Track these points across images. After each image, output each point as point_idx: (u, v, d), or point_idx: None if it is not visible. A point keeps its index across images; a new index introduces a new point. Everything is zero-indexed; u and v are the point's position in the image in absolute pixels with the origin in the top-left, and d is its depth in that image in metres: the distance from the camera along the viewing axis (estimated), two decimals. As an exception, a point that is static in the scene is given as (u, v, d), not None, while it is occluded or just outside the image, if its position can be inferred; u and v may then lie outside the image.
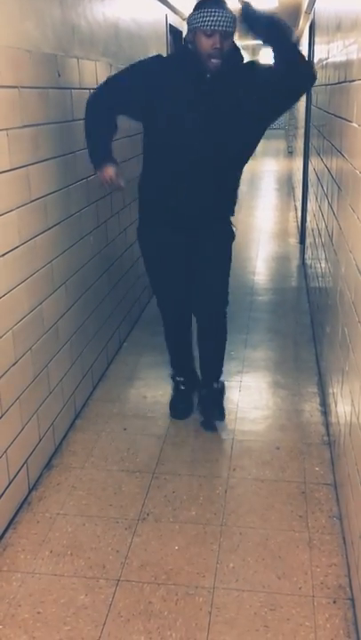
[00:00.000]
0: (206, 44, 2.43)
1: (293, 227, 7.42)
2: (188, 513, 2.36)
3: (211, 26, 2.40)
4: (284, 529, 2.26)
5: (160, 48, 4.89)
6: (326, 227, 3.30)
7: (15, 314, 2.29)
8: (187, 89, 2.51)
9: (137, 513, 2.36)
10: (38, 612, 1.93)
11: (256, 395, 3.29)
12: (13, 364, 2.28)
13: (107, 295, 3.50)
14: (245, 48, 15.03)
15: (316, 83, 4.54)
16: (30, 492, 2.48)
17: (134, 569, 2.10)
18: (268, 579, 2.04)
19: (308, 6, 5.37)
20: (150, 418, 3.07)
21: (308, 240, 5.08)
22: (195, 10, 2.47)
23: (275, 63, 2.54)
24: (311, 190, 5.01)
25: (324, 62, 3.69)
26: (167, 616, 1.91)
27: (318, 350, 3.57)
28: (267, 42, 2.52)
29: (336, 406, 2.54)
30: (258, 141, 2.72)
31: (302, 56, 2.62)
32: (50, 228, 2.60)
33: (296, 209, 7.94)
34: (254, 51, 16.07)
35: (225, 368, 3.49)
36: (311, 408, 3.12)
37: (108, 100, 2.65)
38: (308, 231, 5.13)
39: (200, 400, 3.06)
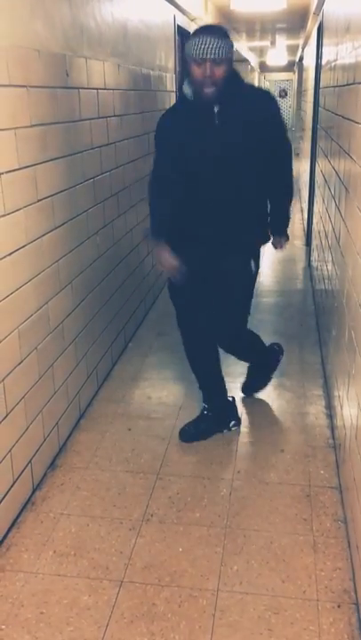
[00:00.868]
0: (198, 72, 2.40)
1: (300, 229, 7.41)
2: (193, 515, 2.35)
3: (200, 54, 2.36)
4: (288, 532, 2.25)
5: (168, 49, 4.89)
6: (333, 229, 3.29)
7: (21, 313, 2.29)
8: (198, 128, 2.51)
9: (141, 514, 2.36)
10: (41, 613, 1.93)
11: (261, 397, 3.28)
12: (19, 364, 2.28)
13: (112, 295, 3.49)
14: (253, 49, 15.03)
15: (324, 84, 4.54)
16: (34, 491, 2.47)
17: (138, 570, 2.09)
18: (273, 582, 2.03)
19: (316, 7, 5.36)
20: (155, 419, 3.06)
21: (315, 242, 5.06)
22: (188, 40, 2.46)
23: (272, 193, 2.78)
24: (318, 192, 5.00)
25: (333, 64, 3.67)
26: (171, 618, 1.90)
27: (324, 353, 3.56)
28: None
29: (342, 409, 2.53)
30: (279, 144, 2.69)
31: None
32: (56, 228, 2.59)
33: (302, 211, 7.93)
34: (262, 52, 16.08)
35: (230, 369, 3.49)
36: (316, 411, 3.11)
37: (163, 177, 2.64)
38: (315, 233, 5.11)
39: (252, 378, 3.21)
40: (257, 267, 2.82)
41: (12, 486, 2.26)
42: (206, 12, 6.88)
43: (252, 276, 2.81)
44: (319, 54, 5.41)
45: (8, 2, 2.12)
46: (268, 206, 2.81)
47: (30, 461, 2.42)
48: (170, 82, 5.03)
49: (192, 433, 2.88)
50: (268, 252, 6.40)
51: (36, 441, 2.47)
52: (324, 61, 4.77)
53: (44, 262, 2.47)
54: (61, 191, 2.64)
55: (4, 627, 1.88)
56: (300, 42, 11.33)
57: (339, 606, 1.93)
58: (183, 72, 5.30)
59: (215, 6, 7.35)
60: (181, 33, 5.55)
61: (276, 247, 2.96)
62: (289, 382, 3.42)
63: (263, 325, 4.29)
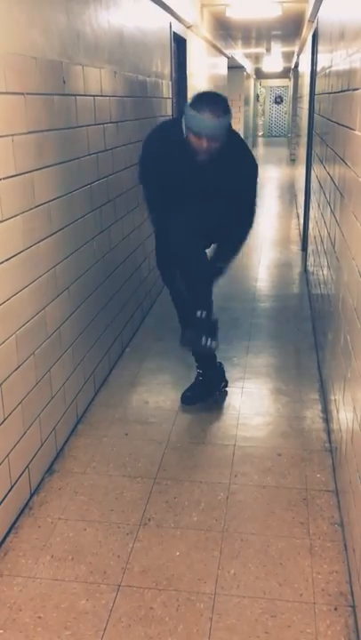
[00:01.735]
0: (195, 142, 2.66)
1: (296, 234, 7.44)
2: (190, 519, 2.36)
3: (199, 131, 2.61)
4: (285, 535, 2.26)
5: (164, 56, 4.92)
6: (329, 234, 3.31)
7: (19, 318, 2.30)
8: (181, 167, 2.77)
9: (138, 518, 2.36)
10: (39, 617, 1.93)
11: (258, 401, 3.29)
12: (16, 369, 2.29)
13: (109, 300, 3.51)
14: (248, 56, 15.12)
15: (319, 91, 4.57)
16: (32, 496, 2.48)
17: (135, 574, 2.10)
18: (269, 585, 2.04)
19: (311, 15, 5.41)
20: (152, 423, 3.07)
21: (311, 247, 5.09)
22: (191, 106, 2.64)
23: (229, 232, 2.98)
24: (314, 198, 5.03)
25: (328, 70, 3.71)
26: (168, 622, 1.91)
27: (320, 357, 3.58)
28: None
29: (338, 413, 2.55)
30: (246, 205, 2.98)
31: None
32: (54, 234, 2.61)
33: (298, 216, 7.96)
34: (257, 58, 16.17)
35: (227, 374, 3.50)
36: (313, 415, 3.12)
37: (153, 190, 2.99)
38: (311, 238, 5.14)
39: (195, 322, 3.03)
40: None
41: (9, 491, 2.26)
42: (202, 20, 6.93)
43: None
44: (314, 61, 5.45)
45: (5, 10, 2.14)
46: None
47: (28, 466, 2.43)
48: (166, 88, 5.06)
49: (191, 397, 3.24)
50: (264, 258, 6.43)
51: (33, 446, 2.48)
52: (319, 68, 4.81)
53: (41, 268, 2.49)
54: (58, 197, 2.65)
55: (2, 631, 1.89)
56: (296, 49, 11.40)
57: (335, 609, 1.94)
58: (180, 81, 5.38)
59: (211, 14, 7.41)
60: (177, 40, 5.59)
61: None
62: (285, 386, 3.44)
63: (260, 330, 4.31)
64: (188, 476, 2.64)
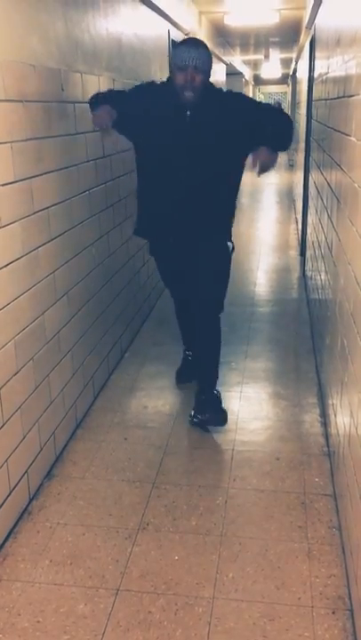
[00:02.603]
0: (179, 78, 2.72)
1: (294, 239, 7.46)
2: (188, 523, 2.37)
3: (182, 61, 2.69)
4: (283, 539, 2.27)
5: (162, 63, 4.95)
6: (326, 239, 3.33)
7: (17, 324, 2.31)
8: (171, 120, 2.80)
9: (137, 523, 2.37)
10: (38, 622, 1.94)
11: (256, 405, 3.30)
12: (15, 374, 2.30)
13: (108, 306, 3.52)
14: (247, 63, 15.18)
15: (317, 97, 4.60)
16: (31, 501, 2.49)
17: (134, 579, 2.10)
18: (268, 589, 2.05)
19: (308, 22, 5.44)
20: (151, 428, 3.08)
21: (309, 252, 5.11)
22: (174, 49, 2.77)
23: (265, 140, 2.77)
24: (311, 203, 5.05)
25: (325, 77, 3.73)
26: (167, 626, 1.91)
27: (318, 361, 3.59)
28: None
29: (336, 417, 2.56)
30: (241, 166, 2.96)
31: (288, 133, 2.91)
32: (52, 240, 2.63)
33: (297, 221, 7.99)
34: (256, 65, 16.23)
35: (225, 379, 3.52)
36: (311, 419, 3.13)
37: (109, 96, 2.91)
38: (309, 243, 5.16)
39: (201, 404, 3.06)
40: (233, 246, 3.08)
41: (8, 496, 2.27)
42: (200, 27, 6.97)
43: (229, 255, 3.07)
44: (312, 67, 5.48)
45: (3, 17, 2.17)
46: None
47: (27, 471, 2.44)
48: (164, 95, 5.08)
49: (185, 375, 3.45)
50: (263, 262, 6.45)
51: (32, 451, 2.49)
52: (316, 74, 4.84)
53: (40, 273, 2.50)
54: (57, 203, 2.67)
55: (1, 636, 1.89)
56: (294, 55, 11.46)
57: (333, 612, 1.95)
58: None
59: (209, 21, 7.45)
60: (176, 47, 5.62)
61: (256, 162, 2.71)
62: (284, 391, 3.45)
63: (258, 334, 4.32)
64: (187, 480, 2.64)
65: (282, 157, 17.43)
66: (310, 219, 5.10)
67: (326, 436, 2.92)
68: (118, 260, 3.72)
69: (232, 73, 12.60)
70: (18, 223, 2.28)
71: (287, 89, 21.22)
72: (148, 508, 2.45)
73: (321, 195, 3.83)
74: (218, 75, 9.79)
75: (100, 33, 3.26)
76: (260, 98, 24.25)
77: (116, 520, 2.39)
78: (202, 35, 7.08)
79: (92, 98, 2.89)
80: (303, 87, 7.16)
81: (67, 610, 1.98)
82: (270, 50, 12.18)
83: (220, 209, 2.96)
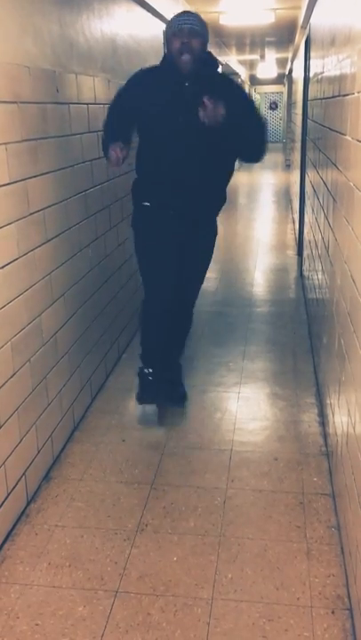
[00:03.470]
0: (175, 43, 2.74)
1: (291, 239, 7.46)
2: (187, 524, 2.36)
3: (177, 25, 2.74)
4: (282, 540, 2.27)
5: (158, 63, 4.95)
6: (323, 238, 3.33)
7: (14, 325, 2.31)
8: (169, 94, 2.80)
9: (135, 524, 2.37)
10: (37, 624, 1.93)
11: (254, 406, 3.30)
12: (12, 376, 2.29)
13: (105, 307, 3.51)
14: (243, 63, 15.19)
15: (312, 97, 4.60)
16: (29, 503, 2.48)
17: (133, 580, 2.10)
18: (267, 589, 2.04)
19: (304, 21, 5.45)
20: (149, 429, 3.08)
21: (306, 252, 5.11)
22: (169, 22, 2.82)
23: (241, 139, 2.82)
24: (308, 203, 5.05)
25: (320, 76, 3.74)
26: (166, 627, 1.91)
27: (316, 361, 3.59)
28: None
29: (334, 417, 2.55)
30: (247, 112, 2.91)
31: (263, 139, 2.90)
32: (48, 241, 2.62)
33: (294, 221, 7.99)
34: (252, 65, 16.24)
35: (223, 379, 3.52)
36: (309, 419, 3.13)
37: (112, 117, 2.99)
38: (306, 243, 5.16)
39: (165, 383, 3.22)
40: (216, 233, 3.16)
41: (6, 498, 2.26)
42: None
43: (217, 233, 3.14)
44: (307, 67, 5.49)
45: (-2, 20, 2.16)
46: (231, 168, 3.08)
47: (24, 473, 2.43)
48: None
49: (150, 395, 3.13)
50: (260, 262, 6.45)
51: (29, 453, 2.48)
52: (311, 74, 4.84)
53: (36, 275, 2.50)
54: (53, 205, 2.67)
55: (-1, 639, 1.89)
56: (290, 55, 11.47)
57: (333, 612, 1.94)
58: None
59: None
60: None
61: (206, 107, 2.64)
62: (282, 391, 3.45)
63: (256, 334, 4.32)
64: (185, 481, 2.64)
65: (279, 158, 17.46)
66: (307, 218, 5.10)
67: (324, 435, 2.92)
68: (115, 262, 3.72)
69: (228, 73, 12.60)
70: (13, 225, 2.27)
71: (283, 89, 21.23)
72: (146, 510, 2.45)
73: (317, 194, 3.83)
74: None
75: (95, 34, 3.26)
76: (256, 98, 24.26)
77: (114, 522, 2.38)
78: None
79: (103, 133, 2.98)
80: (299, 87, 7.17)
81: (65, 612, 1.97)
82: (266, 50, 12.19)
83: (217, 185, 2.97)
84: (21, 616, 1.96)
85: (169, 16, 5.07)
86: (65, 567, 2.16)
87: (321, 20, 3.82)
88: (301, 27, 5.93)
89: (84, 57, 3.10)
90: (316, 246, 3.79)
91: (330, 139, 2.96)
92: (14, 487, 2.33)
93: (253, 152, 2.90)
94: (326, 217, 3.12)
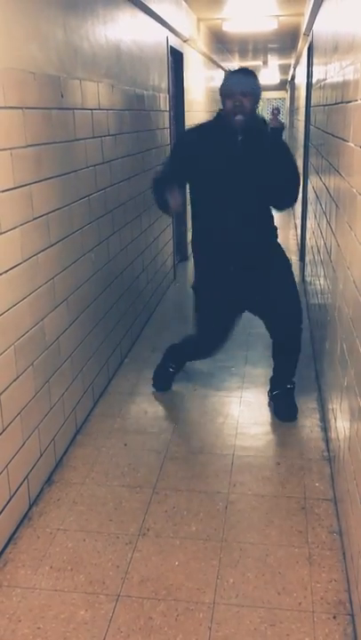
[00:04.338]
0: (229, 103, 2.83)
1: (294, 244, 7.47)
2: (189, 528, 2.37)
3: (230, 88, 2.82)
4: (284, 544, 2.27)
5: (161, 69, 4.98)
6: (325, 244, 3.34)
7: (17, 329, 2.32)
8: (224, 147, 2.89)
9: (137, 528, 2.37)
10: (38, 628, 1.93)
11: (256, 410, 3.30)
12: (15, 380, 2.30)
13: (108, 311, 3.52)
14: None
15: (315, 103, 4.62)
16: (31, 507, 2.48)
17: (134, 584, 2.10)
18: (268, 594, 2.04)
19: (306, 28, 5.47)
20: (151, 433, 3.08)
21: (308, 257, 5.12)
22: (223, 80, 2.90)
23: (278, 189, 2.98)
24: (310, 208, 5.07)
25: (323, 83, 3.75)
26: (167, 632, 1.91)
27: (318, 366, 3.59)
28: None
29: (336, 422, 2.56)
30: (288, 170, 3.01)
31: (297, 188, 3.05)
32: (52, 245, 2.63)
33: (296, 227, 8.00)
34: (256, 71, 16.26)
35: (226, 384, 3.52)
36: (311, 424, 3.13)
37: (167, 177, 3.01)
38: (308, 248, 5.17)
39: (275, 399, 3.28)
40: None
41: (8, 502, 2.27)
42: (199, 33, 7.00)
43: (286, 258, 3.18)
44: (310, 73, 5.51)
45: (3, 25, 2.18)
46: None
47: (27, 477, 2.43)
48: (163, 101, 5.11)
49: (164, 383, 3.52)
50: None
51: (32, 456, 2.49)
52: (314, 80, 4.86)
53: (39, 279, 2.51)
54: (57, 209, 2.68)
55: (1, 642, 1.89)
56: (292, 61, 11.50)
57: (334, 617, 1.94)
58: (177, 94, 5.53)
59: (207, 27, 7.49)
60: (174, 53, 5.65)
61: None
62: (284, 396, 3.44)
63: (258, 339, 4.32)
64: (187, 485, 2.64)
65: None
66: (309, 224, 5.11)
67: (326, 440, 2.92)
68: (118, 266, 3.73)
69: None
70: (17, 229, 2.29)
71: (286, 95, 21.29)
72: (148, 514, 2.45)
73: (320, 200, 3.84)
74: (217, 81, 9.83)
75: (99, 40, 3.28)
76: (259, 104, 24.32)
77: (116, 526, 2.39)
78: (200, 41, 7.11)
79: (155, 184, 3.01)
80: (301, 93, 7.19)
81: (67, 616, 1.97)
82: (269, 56, 12.23)
83: (269, 228, 3.09)
84: (23, 619, 1.96)
85: (173, 22, 5.12)
86: (67, 571, 2.16)
87: (324, 27, 3.84)
88: (304, 33, 5.95)
89: (89, 63, 3.12)
90: (319, 252, 3.80)
91: (332, 145, 2.97)
92: (17, 490, 2.34)
93: (284, 202, 3.12)
94: (329, 223, 3.13)
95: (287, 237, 8.01)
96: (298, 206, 7.49)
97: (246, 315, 4.94)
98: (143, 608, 2.00)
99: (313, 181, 4.74)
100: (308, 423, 3.14)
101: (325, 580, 2.09)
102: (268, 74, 15.85)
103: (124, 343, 3.92)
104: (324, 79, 3.60)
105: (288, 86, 16.90)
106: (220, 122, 2.94)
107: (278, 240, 3.16)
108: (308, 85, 5.64)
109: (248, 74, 2.89)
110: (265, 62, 13.42)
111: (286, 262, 3.15)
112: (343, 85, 2.57)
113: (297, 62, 9.22)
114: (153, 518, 2.42)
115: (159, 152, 4.82)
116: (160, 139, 4.95)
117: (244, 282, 3.02)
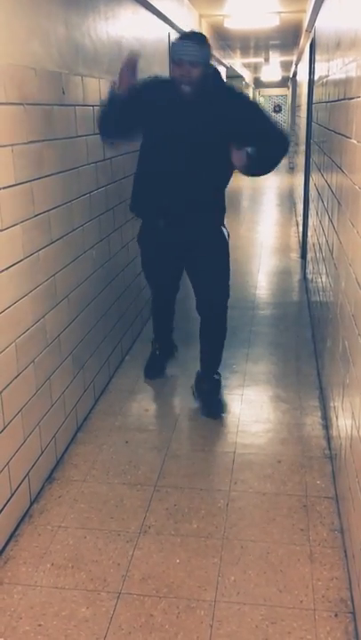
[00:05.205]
0: (176, 72, 2.78)
1: (295, 241, 7.46)
2: (190, 526, 2.36)
3: (178, 56, 2.75)
4: (285, 542, 2.26)
5: (162, 65, 4.96)
6: (327, 241, 3.33)
7: (18, 326, 2.31)
8: (173, 108, 2.87)
9: (138, 526, 2.37)
10: (39, 625, 1.93)
11: (257, 408, 3.30)
12: (16, 377, 2.30)
13: (109, 309, 3.52)
14: (247, 66, 15.21)
15: (317, 100, 4.60)
16: (32, 504, 2.48)
17: (135, 582, 2.10)
18: (270, 592, 2.04)
19: (308, 24, 5.45)
20: (152, 431, 3.08)
21: (310, 254, 5.11)
22: (173, 40, 2.86)
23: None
24: (312, 205, 5.06)
25: (325, 80, 3.74)
26: (168, 629, 1.91)
27: (320, 364, 3.58)
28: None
29: (337, 420, 2.55)
30: (231, 162, 2.95)
31: (280, 137, 2.94)
32: (53, 242, 2.63)
33: (298, 224, 7.99)
34: (256, 68, 16.26)
35: (227, 382, 3.52)
36: (312, 421, 3.12)
37: (119, 101, 2.95)
38: (310, 246, 5.16)
39: (201, 392, 3.28)
40: (227, 232, 3.15)
41: (9, 499, 2.27)
42: (200, 30, 6.98)
43: (227, 244, 3.12)
44: (312, 70, 5.49)
45: (5, 22, 2.17)
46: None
47: (28, 474, 2.43)
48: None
49: (154, 370, 3.62)
50: (264, 265, 6.45)
51: (33, 454, 2.48)
52: (316, 77, 4.85)
53: (40, 276, 2.50)
54: (58, 206, 2.67)
55: (2, 639, 1.88)
56: (294, 58, 11.48)
57: (336, 615, 1.94)
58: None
59: (209, 24, 7.47)
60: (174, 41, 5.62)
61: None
62: (285, 394, 3.44)
63: (259, 337, 4.32)
64: (188, 483, 2.64)
65: (283, 161, 17.47)
66: (311, 221, 5.10)
67: (328, 438, 2.92)
68: (119, 264, 3.72)
69: (232, 76, 12.62)
70: (19, 226, 2.28)
71: (287, 92, 21.25)
72: (149, 512, 2.45)
73: (322, 197, 3.83)
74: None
75: (101, 36, 3.27)
76: (260, 101, 24.30)
77: (117, 523, 2.38)
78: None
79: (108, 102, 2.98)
80: (303, 90, 7.17)
81: (68, 613, 1.97)
82: (270, 53, 12.21)
83: (209, 199, 3.00)
84: (24, 617, 1.96)
85: (174, 19, 5.10)
86: (68, 568, 2.16)
87: (326, 24, 3.82)
88: (306, 30, 5.93)
89: (90, 59, 3.11)
90: (320, 249, 3.79)
91: (335, 142, 2.96)
92: (18, 488, 2.34)
93: (265, 167, 2.96)
94: (331, 220, 3.12)
95: (288, 234, 8.01)
96: (299, 204, 7.48)
97: (248, 312, 4.94)
98: (144, 606, 2.00)
99: (315, 178, 4.73)
100: (310, 421, 3.13)
101: (327, 578, 2.09)
102: (270, 70, 15.82)
103: (124, 341, 3.91)
104: (327, 76, 3.59)
105: (290, 83, 16.87)
106: (171, 84, 2.88)
107: (225, 223, 3.12)
108: (311, 82, 5.62)
109: (200, 41, 2.78)
110: (267, 59, 13.40)
111: (222, 242, 3.09)
112: (346, 82, 2.56)
113: (299, 59, 9.20)
114: (154, 516, 2.42)
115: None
116: (161, 136, 4.93)
117: (173, 240, 3.04)
